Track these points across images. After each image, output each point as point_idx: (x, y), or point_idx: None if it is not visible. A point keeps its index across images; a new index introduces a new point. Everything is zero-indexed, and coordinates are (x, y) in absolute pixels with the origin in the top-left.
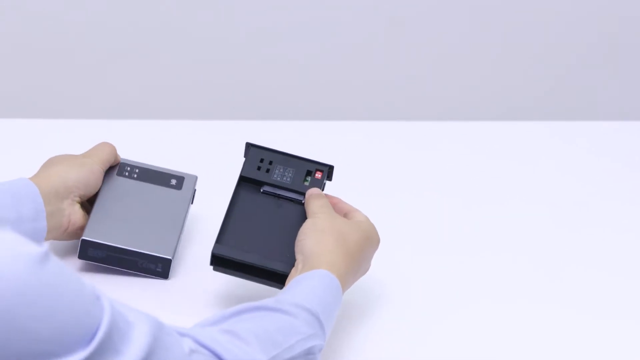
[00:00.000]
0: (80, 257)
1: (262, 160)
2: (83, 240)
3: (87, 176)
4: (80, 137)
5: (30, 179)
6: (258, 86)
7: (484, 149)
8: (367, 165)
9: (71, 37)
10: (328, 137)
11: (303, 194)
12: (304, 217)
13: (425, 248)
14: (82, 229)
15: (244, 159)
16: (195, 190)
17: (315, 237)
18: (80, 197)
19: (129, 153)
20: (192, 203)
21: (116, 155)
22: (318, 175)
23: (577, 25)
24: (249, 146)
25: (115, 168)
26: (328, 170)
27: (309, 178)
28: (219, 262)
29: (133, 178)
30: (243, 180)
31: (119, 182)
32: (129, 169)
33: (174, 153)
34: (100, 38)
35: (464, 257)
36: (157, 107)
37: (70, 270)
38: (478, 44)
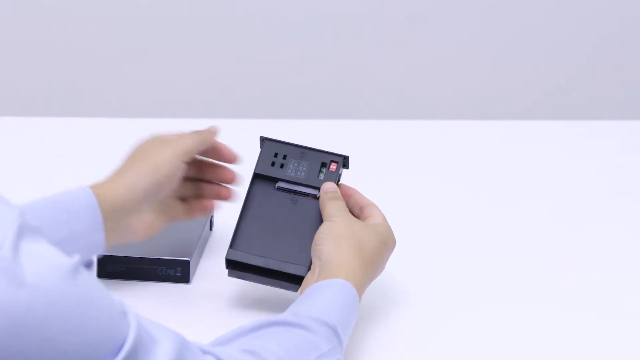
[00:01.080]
0: (99, 275)
1: (276, 155)
2: (99, 257)
3: (159, 182)
4: (91, 136)
5: (98, 185)
6: (268, 85)
7: (494, 147)
8: (376, 164)
9: (82, 35)
10: (338, 135)
11: (318, 188)
12: (319, 213)
13: (435, 249)
14: (150, 234)
15: (258, 150)
16: (212, 215)
17: (333, 243)
18: (156, 202)
19: None
20: (210, 230)
21: (205, 142)
22: (333, 167)
23: (578, 25)
24: (263, 140)
25: None
26: (343, 161)
27: (324, 170)
28: (234, 267)
29: None
30: (257, 177)
31: None
32: None
33: None
34: (112, 37)
35: (476, 258)
36: (170, 106)
37: (99, 283)
38: (481, 44)
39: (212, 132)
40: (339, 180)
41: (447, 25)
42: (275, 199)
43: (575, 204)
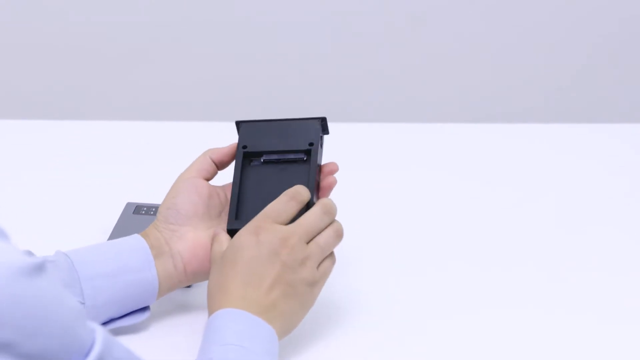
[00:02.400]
0: None
1: (255, 134)
2: None
3: (172, 203)
4: (91, 139)
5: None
6: (268, 87)
7: (495, 151)
8: (375, 168)
9: (82, 39)
10: (337, 138)
11: (303, 151)
12: (308, 173)
13: (436, 252)
14: (205, 264)
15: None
16: None
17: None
18: (184, 228)
19: (140, 155)
20: None
21: (213, 158)
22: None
23: (580, 27)
24: (239, 124)
25: (132, 208)
26: (321, 123)
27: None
28: None
29: (150, 215)
30: (242, 157)
31: (135, 219)
32: (145, 209)
33: (188, 155)
34: (113, 40)
35: (477, 261)
36: (171, 109)
37: (61, 289)
38: (482, 45)
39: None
40: (321, 144)
41: (447, 26)
42: (264, 171)
43: (576, 207)
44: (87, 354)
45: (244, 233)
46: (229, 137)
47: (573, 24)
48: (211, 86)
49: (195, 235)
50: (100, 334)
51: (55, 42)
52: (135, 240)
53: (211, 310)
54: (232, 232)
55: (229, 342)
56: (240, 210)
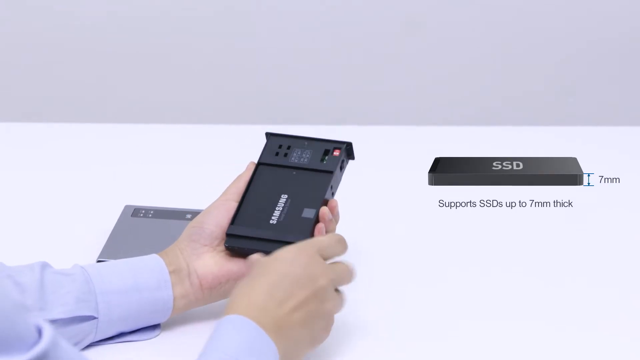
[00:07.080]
0: None
1: (280, 147)
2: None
3: (199, 222)
4: (92, 142)
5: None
6: (267, 91)
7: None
8: (374, 171)
9: (80, 39)
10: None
11: (321, 171)
12: (321, 183)
13: (435, 256)
14: (220, 279)
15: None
16: None
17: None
18: (204, 247)
19: (138, 157)
20: None
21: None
22: (336, 152)
23: (583, 30)
24: (269, 135)
25: (131, 211)
26: (346, 148)
27: (326, 157)
28: (234, 241)
29: (148, 217)
30: (260, 166)
31: (134, 221)
32: (143, 211)
33: (187, 157)
34: (114, 43)
35: (468, 268)
36: (172, 111)
37: (4, 283)
38: (482, 48)
39: (248, 169)
40: (342, 168)
41: (447, 30)
42: (278, 178)
43: (579, 211)
44: (30, 348)
45: (286, 249)
46: (228, 140)
47: (573, 27)
48: (210, 88)
49: (214, 254)
50: (48, 332)
51: (54, 44)
52: (152, 260)
53: (227, 309)
54: (227, 237)
55: (229, 353)
56: (239, 216)
